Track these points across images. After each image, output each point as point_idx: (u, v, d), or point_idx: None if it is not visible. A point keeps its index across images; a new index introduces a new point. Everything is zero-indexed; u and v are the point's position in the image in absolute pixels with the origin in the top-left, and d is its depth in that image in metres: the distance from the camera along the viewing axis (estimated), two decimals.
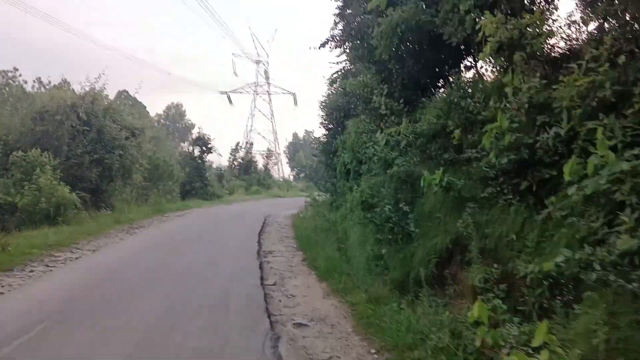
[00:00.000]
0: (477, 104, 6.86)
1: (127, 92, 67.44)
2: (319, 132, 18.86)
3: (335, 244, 10.27)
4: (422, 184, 6.75)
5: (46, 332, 5.12)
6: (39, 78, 26.61)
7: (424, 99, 9.40)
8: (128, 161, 19.83)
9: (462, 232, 6.13)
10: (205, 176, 31.89)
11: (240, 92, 72.20)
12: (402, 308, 5.62)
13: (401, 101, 9.39)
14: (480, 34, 6.10)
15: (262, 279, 8.13)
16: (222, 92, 70.04)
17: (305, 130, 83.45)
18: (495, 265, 5.51)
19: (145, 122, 26.82)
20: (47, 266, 9.09)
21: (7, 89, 30.28)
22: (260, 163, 54.13)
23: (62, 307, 6.15)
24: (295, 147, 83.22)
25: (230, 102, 69.51)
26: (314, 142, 20.29)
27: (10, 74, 33.90)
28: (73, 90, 20.49)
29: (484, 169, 6.15)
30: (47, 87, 24.12)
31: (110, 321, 5.54)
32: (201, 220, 19.17)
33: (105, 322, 5.49)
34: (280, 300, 6.76)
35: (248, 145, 57.92)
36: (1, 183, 14.94)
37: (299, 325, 5.63)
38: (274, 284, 7.77)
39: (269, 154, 57.94)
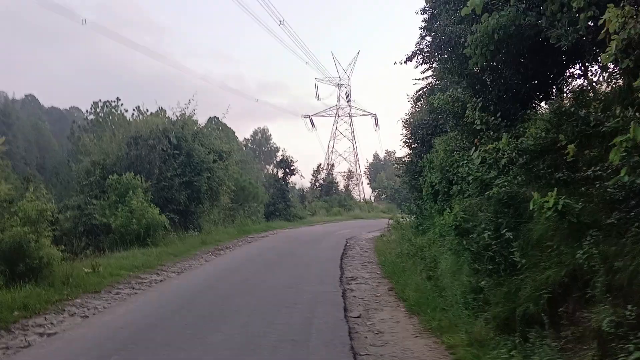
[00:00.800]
0: (597, 114, 5.85)
1: (217, 118, 70.58)
2: (402, 152, 18.07)
3: (424, 272, 9.41)
4: (531, 207, 5.83)
5: None
6: (138, 107, 28.49)
7: (526, 111, 8.43)
8: (215, 183, 20.33)
9: (582, 264, 5.13)
10: (288, 197, 32.17)
11: (323, 115, 73.16)
12: (512, 355, 4.72)
13: (498, 115, 8.49)
14: (602, 32, 5.18)
15: (345, 310, 7.51)
16: (304, 116, 71.37)
17: (386, 151, 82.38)
18: (629, 307, 4.48)
19: (233, 146, 27.57)
20: (133, 288, 9.17)
21: (109, 117, 32.90)
22: (341, 184, 53.99)
23: (138, 336, 5.95)
24: (376, 168, 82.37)
25: (313, 125, 70.51)
26: (397, 162, 19.49)
27: (113, 104, 36.89)
28: (168, 116, 21.56)
29: (610, 189, 5.14)
30: (145, 115, 25.71)
31: (184, 354, 5.22)
32: (284, 242, 19.01)
33: (179, 356, 5.17)
34: (366, 337, 6.10)
35: (329, 167, 58.14)
36: (98, 205, 15.79)
37: None
38: (358, 317, 7.12)
39: (350, 175, 57.70)
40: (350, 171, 61.31)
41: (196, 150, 19.43)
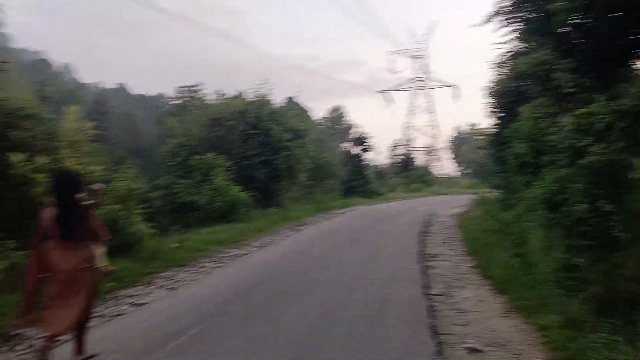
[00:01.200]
0: None
1: (293, 98, 71.58)
2: (486, 123, 17.08)
3: (511, 249, 8.85)
4: (633, 176, 5.20)
5: (198, 337, 5.04)
6: (218, 90, 29.51)
7: (622, 70, 7.51)
8: (293, 161, 20.59)
9: None
10: (365, 174, 31.92)
11: (399, 90, 71.42)
12: (614, 340, 4.25)
13: (591, 76, 7.64)
14: None
15: (425, 287, 7.26)
16: (380, 91, 70.06)
17: (470, 123, 78.94)
18: None
19: (309, 124, 27.70)
20: (217, 262, 9.53)
21: (192, 101, 34.44)
22: (420, 160, 52.65)
23: (221, 308, 6.14)
24: (459, 142, 79.28)
25: (389, 100, 69.12)
26: (480, 134, 18.51)
27: (194, 89, 38.52)
28: (244, 98, 22.10)
29: None
30: (224, 98, 26.53)
31: (262, 328, 5.29)
32: (362, 218, 18.90)
33: (259, 329, 5.25)
34: (447, 316, 5.83)
35: (407, 142, 56.84)
36: (184, 184, 16.60)
37: (474, 350, 4.65)
38: (439, 294, 6.84)
39: (429, 150, 56.04)
40: (429, 146, 59.61)
41: (273, 130, 19.75)
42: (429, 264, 9.18)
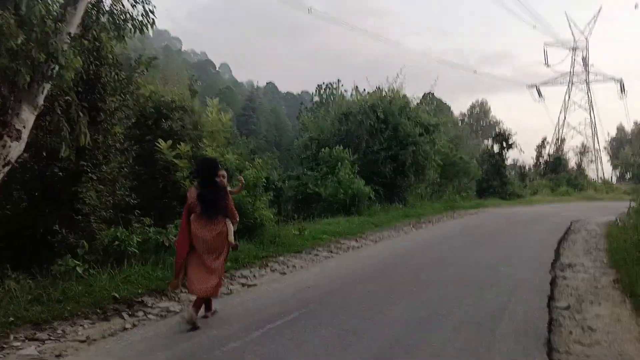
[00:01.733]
0: None
1: (432, 94, 69.44)
2: None
3: None
4: None
5: (293, 323, 5.08)
6: (357, 87, 29.84)
7: None
8: (421, 157, 19.96)
9: None
10: (504, 174, 29.72)
11: (553, 84, 65.26)
12: None
13: None
14: None
15: (551, 298, 6.45)
16: (530, 86, 64.79)
17: (635, 122, 68.94)
18: None
19: (443, 119, 26.60)
20: (331, 252, 9.63)
21: (331, 98, 35.45)
22: (572, 161, 47.47)
23: (322, 297, 6.14)
24: (620, 143, 69.86)
25: (540, 95, 63.52)
26: None
27: (334, 85, 39.64)
28: (376, 92, 21.97)
29: None
30: (362, 93, 26.73)
31: (358, 322, 5.15)
32: (493, 220, 17.61)
33: (353, 323, 5.12)
34: (571, 332, 5.08)
35: (559, 142, 51.75)
36: (312, 176, 17.11)
37: None
38: (566, 308, 6.01)
39: (583, 151, 50.25)
40: (584, 146, 53.36)
41: (402, 124, 19.34)
42: (562, 274, 8.16)
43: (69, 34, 7.13)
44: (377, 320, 5.26)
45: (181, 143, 10.84)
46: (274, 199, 14.23)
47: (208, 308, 5.28)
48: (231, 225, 5.25)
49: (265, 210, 10.20)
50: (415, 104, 22.17)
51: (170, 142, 10.76)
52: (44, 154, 7.30)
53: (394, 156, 18.80)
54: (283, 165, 23.64)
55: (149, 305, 5.76)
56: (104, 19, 8.53)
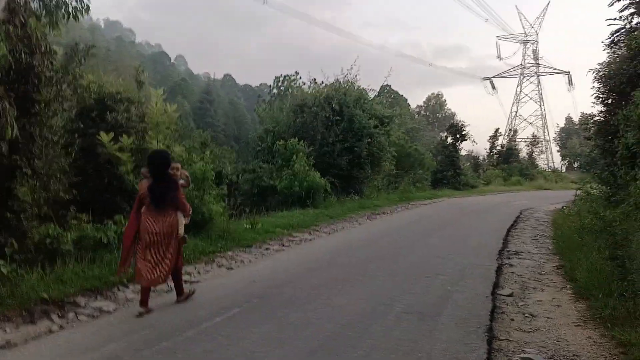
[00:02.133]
0: None
1: (389, 86, 70.08)
2: (594, 110, 15.14)
3: (608, 249, 7.67)
4: None
5: (233, 319, 4.89)
6: (314, 79, 29.54)
7: None
8: (376, 148, 20.03)
9: None
10: (458, 165, 30.34)
11: (505, 77, 67.25)
12: None
13: None
14: None
15: (495, 286, 6.53)
16: (484, 79, 66.57)
17: (582, 113, 72.02)
18: None
19: (397, 111, 26.75)
20: (282, 245, 9.45)
21: (289, 90, 35.08)
22: (524, 152, 49.09)
23: (267, 291, 5.97)
24: (569, 133, 72.96)
25: (494, 87, 65.35)
26: (585, 122, 16.54)
27: (292, 78, 39.24)
28: (333, 83, 21.82)
29: None
30: (319, 86, 26.47)
31: (301, 315, 5.02)
32: (446, 210, 17.93)
33: (296, 316, 4.98)
34: (512, 319, 5.12)
35: (511, 133, 53.41)
36: (267, 168, 16.86)
37: None
38: (509, 295, 6.09)
39: (534, 142, 52.10)
40: (535, 137, 55.33)
41: (357, 116, 19.31)
42: (509, 261, 8.32)
43: None
44: (320, 312, 5.14)
45: (123, 135, 10.37)
46: (228, 193, 13.90)
47: (179, 294, 5.48)
48: (182, 218, 5.28)
49: (214, 205, 9.89)
50: (372, 96, 22.20)
51: (112, 134, 10.26)
52: None
53: (349, 148, 18.76)
54: (242, 159, 23.24)
55: (82, 305, 5.42)
56: (33, 4, 7.98)
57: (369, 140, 19.31)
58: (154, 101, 10.95)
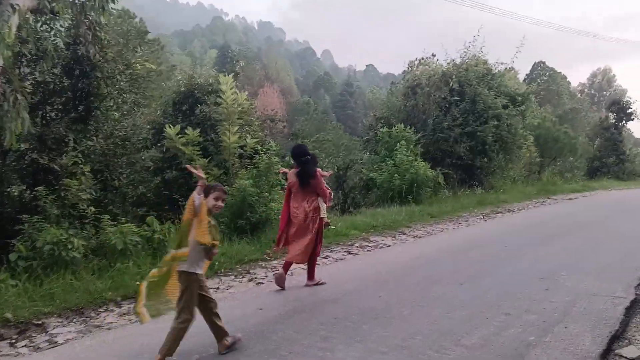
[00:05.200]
0: None
1: (543, 62, 62.67)
2: None
3: None
4: None
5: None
6: (453, 60, 26.80)
7: None
8: (506, 133, 17.04)
9: None
10: (621, 150, 24.90)
11: None
12: None
13: None
14: None
15: (615, 338, 4.16)
16: None
17: None
18: None
19: (561, 90, 22.80)
20: (348, 253, 7.89)
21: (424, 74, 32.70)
22: None
23: (271, 325, 4.52)
24: None
25: None
26: None
27: (428, 60, 36.58)
28: (453, 60, 19.24)
29: None
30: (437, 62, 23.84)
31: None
32: (591, 207, 14.36)
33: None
34: None
35: None
36: (369, 159, 15.26)
37: None
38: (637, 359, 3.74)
39: None
40: None
41: (482, 95, 16.55)
42: None
43: (12, 5, 6.29)
44: (388, 334, 3.69)
45: (188, 128, 9.80)
46: (336, 187, 12.83)
47: (310, 277, 5.87)
48: (323, 204, 5.74)
49: (276, 203, 8.73)
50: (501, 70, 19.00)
51: (178, 127, 9.73)
52: None
53: (470, 133, 16.14)
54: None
55: (48, 330, 4.63)
56: None
57: (496, 123, 16.42)
58: (223, 88, 10.16)
